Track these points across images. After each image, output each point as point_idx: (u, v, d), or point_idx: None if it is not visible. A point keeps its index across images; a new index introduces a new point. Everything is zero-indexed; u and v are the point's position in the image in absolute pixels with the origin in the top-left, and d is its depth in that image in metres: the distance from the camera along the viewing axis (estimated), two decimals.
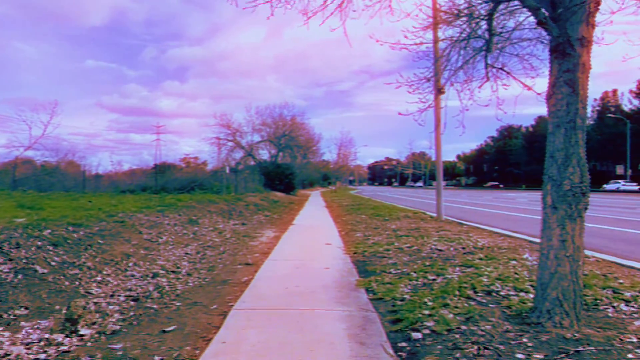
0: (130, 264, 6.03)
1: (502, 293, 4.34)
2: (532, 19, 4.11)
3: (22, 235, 5.33)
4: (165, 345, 3.34)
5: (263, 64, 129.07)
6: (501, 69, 4.69)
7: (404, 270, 5.66)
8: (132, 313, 4.11)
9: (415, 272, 5.47)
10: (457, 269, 5.52)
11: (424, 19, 4.88)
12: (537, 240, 7.55)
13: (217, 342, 3.33)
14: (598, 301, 4.01)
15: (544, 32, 4.05)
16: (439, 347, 3.11)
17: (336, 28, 5.00)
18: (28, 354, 3.13)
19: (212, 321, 3.90)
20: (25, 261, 4.79)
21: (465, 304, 3.96)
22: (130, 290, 4.93)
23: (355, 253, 7.22)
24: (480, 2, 4.32)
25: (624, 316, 3.64)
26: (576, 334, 3.15)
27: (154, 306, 4.33)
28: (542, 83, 4.18)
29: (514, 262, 5.87)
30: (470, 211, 18.44)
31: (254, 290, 4.90)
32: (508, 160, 79.95)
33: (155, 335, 3.55)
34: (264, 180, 30.87)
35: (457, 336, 3.24)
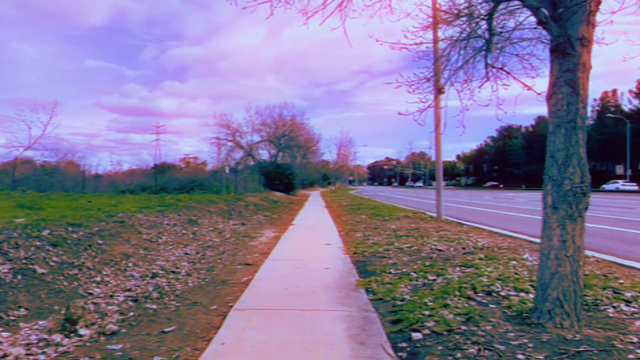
0: (130, 264, 6.02)
1: (502, 293, 4.33)
2: (533, 19, 4.11)
3: (22, 236, 5.32)
4: (164, 345, 3.33)
5: (263, 64, 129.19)
6: (501, 68, 4.69)
7: (404, 270, 5.65)
8: (131, 313, 4.10)
9: (415, 272, 5.47)
10: (457, 269, 5.51)
11: (424, 19, 4.88)
12: (537, 240, 7.54)
13: (217, 342, 3.32)
14: (598, 301, 4.00)
15: (544, 32, 4.04)
16: (440, 347, 3.10)
17: (336, 28, 4.99)
18: (27, 354, 3.12)
19: (212, 321, 3.89)
20: (24, 261, 4.78)
21: (466, 304, 3.95)
22: (129, 290, 4.92)
23: (355, 253, 7.21)
24: (480, 1, 4.31)
25: (624, 316, 3.64)
26: (577, 335, 3.15)
27: (154, 306, 4.32)
28: (542, 83, 4.18)
29: (514, 262, 5.86)
30: (470, 211, 18.44)
31: (254, 290, 4.89)
32: (508, 160, 79.97)
33: (155, 336, 3.54)
34: (264, 180, 30.85)
35: (457, 336, 3.23)
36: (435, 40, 6.15)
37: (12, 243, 5.02)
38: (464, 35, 4.54)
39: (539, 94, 4.54)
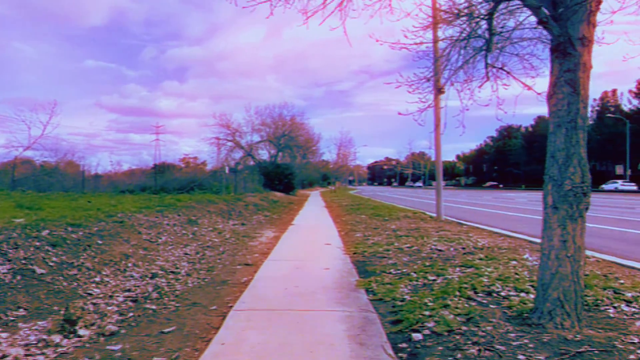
0: (129, 265, 6.01)
1: (502, 293, 4.32)
2: (533, 19, 4.10)
3: (21, 236, 5.31)
4: (164, 346, 3.32)
5: (262, 64, 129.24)
6: (501, 68, 4.68)
7: (404, 270, 5.64)
8: (131, 314, 4.09)
9: (415, 272, 5.46)
10: (457, 269, 5.51)
11: (424, 19, 4.86)
12: (537, 240, 7.53)
13: (217, 343, 3.31)
14: (599, 302, 4.00)
15: (544, 32, 4.04)
16: (440, 348, 3.10)
17: (336, 27, 4.98)
18: (26, 355, 3.11)
19: (212, 322, 3.88)
20: (23, 262, 4.77)
21: (466, 305, 3.94)
22: (129, 290, 4.91)
23: (355, 253, 7.20)
24: (480, 1, 4.31)
25: (625, 317, 3.63)
26: (577, 335, 3.14)
27: (153, 307, 4.31)
28: (542, 83, 4.18)
29: (514, 262, 5.85)
30: (469, 211, 18.43)
31: (254, 290, 4.88)
32: (507, 160, 79.98)
33: (154, 336, 3.53)
34: (264, 180, 30.85)
35: (457, 337, 3.22)
36: (435, 40, 6.14)
37: (11, 243, 5.01)
38: (464, 35, 4.53)
39: (539, 93, 4.53)
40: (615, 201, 25.37)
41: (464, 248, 7.21)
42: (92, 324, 3.65)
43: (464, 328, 3.37)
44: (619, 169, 52.56)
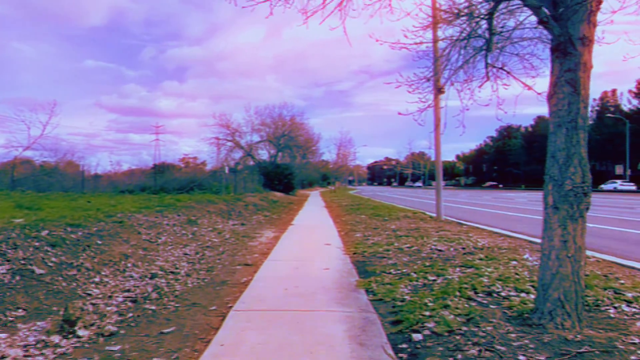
0: (129, 265, 5.99)
1: (502, 294, 4.31)
2: (533, 18, 4.09)
3: (20, 236, 5.29)
4: (163, 347, 3.31)
5: (262, 64, 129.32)
6: (501, 68, 4.67)
7: (404, 270, 5.63)
8: (130, 314, 4.08)
9: (415, 272, 5.45)
10: (458, 269, 5.50)
11: (424, 18, 4.86)
12: (537, 240, 7.53)
13: (216, 343, 3.30)
14: (599, 302, 3.99)
15: (544, 31, 4.03)
16: (440, 348, 3.09)
17: (336, 27, 4.97)
18: (25, 356, 3.10)
19: (211, 322, 3.87)
20: (22, 262, 4.76)
21: (466, 305, 3.93)
22: (128, 291, 4.90)
23: (354, 253, 7.19)
24: (480, 1, 4.30)
25: (625, 317, 3.62)
26: (578, 335, 3.13)
27: (153, 307, 4.30)
28: (542, 83, 4.17)
29: (514, 262, 5.84)
30: (469, 211, 18.43)
31: (253, 291, 4.87)
32: (507, 160, 79.99)
33: (154, 337, 3.52)
34: (263, 180, 30.84)
35: (458, 337, 3.21)
36: (435, 40, 6.13)
37: (10, 243, 4.99)
38: (464, 34, 4.52)
39: (539, 93, 4.53)
40: (615, 201, 25.38)
41: (464, 248, 7.20)
42: (92, 325, 3.64)
43: (464, 328, 3.36)
44: (618, 169, 52.58)
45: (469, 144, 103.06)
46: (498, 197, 32.49)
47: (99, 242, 6.28)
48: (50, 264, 5.02)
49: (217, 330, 3.61)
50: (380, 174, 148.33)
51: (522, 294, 4.25)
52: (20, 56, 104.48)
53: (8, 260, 4.66)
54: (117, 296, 4.67)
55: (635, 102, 56.68)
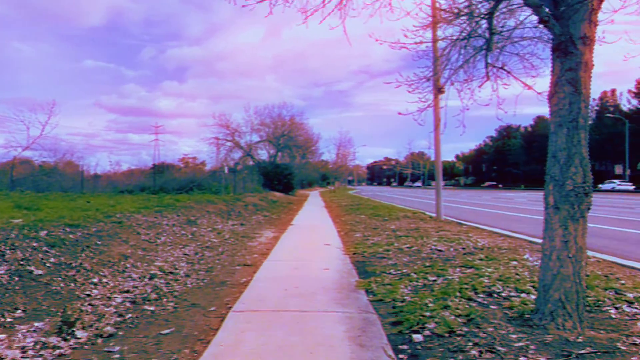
0: (128, 265, 5.97)
1: (503, 294, 4.30)
2: (533, 18, 4.09)
3: (19, 237, 5.27)
4: (162, 348, 3.29)
5: (262, 64, 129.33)
6: (501, 68, 4.66)
7: (404, 271, 5.61)
8: (129, 315, 4.06)
9: (415, 273, 5.43)
10: (458, 269, 5.48)
11: (424, 18, 4.85)
12: (537, 240, 7.52)
13: (216, 344, 3.29)
14: (600, 302, 3.97)
15: (545, 31, 4.02)
16: (441, 349, 3.07)
17: (335, 27, 4.95)
18: (23, 357, 3.08)
19: (211, 323, 3.85)
20: (21, 263, 4.74)
21: (467, 306, 3.92)
22: (127, 291, 4.88)
23: (354, 254, 7.18)
24: (480, 0, 4.28)
25: (627, 317, 3.61)
26: (579, 336, 3.11)
27: (152, 308, 4.29)
28: (542, 82, 4.16)
29: (514, 262, 5.83)
30: (469, 211, 18.42)
31: (253, 291, 4.85)
32: (507, 160, 80.00)
33: (153, 338, 3.50)
34: (263, 180, 30.81)
35: (458, 338, 3.19)
36: (435, 40, 6.12)
37: (9, 244, 4.97)
38: (464, 34, 4.51)
39: (539, 93, 4.52)
40: (614, 201, 25.38)
41: (464, 248, 7.19)
42: (90, 326, 3.63)
43: (465, 329, 3.35)
44: (618, 169, 52.61)
45: (469, 144, 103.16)
46: (498, 197, 32.50)
47: (98, 242, 6.26)
48: (49, 265, 4.99)
49: (217, 331, 3.59)
50: (379, 174, 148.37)
51: (523, 295, 4.24)
52: (20, 56, 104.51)
53: (6, 261, 4.64)
54: (116, 297, 4.65)
55: (634, 102, 56.74)
